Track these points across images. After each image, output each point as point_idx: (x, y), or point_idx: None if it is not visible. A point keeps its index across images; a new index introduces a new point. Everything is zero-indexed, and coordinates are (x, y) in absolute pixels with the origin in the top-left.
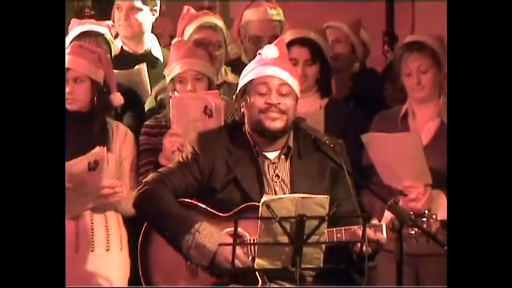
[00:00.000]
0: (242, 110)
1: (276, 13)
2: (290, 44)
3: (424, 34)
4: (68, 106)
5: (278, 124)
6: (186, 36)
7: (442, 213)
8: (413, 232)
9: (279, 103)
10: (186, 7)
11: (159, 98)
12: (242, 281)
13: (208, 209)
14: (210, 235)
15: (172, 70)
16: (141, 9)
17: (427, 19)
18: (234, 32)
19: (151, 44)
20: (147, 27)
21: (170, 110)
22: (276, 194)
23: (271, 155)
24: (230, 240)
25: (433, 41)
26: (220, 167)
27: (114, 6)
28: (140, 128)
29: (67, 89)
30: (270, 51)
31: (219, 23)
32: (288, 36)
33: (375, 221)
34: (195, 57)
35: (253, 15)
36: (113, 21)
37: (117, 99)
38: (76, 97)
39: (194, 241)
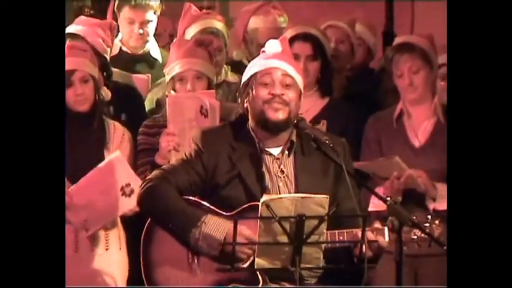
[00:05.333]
0: (245, 105)
1: (283, 20)
2: (293, 39)
3: (413, 35)
4: (79, 107)
5: (281, 115)
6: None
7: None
8: (415, 237)
9: (282, 94)
10: (187, 4)
11: (156, 98)
12: (243, 281)
13: (211, 207)
14: (217, 225)
15: (173, 69)
16: (151, 21)
17: (426, 19)
18: (237, 37)
19: (149, 44)
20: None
21: (166, 109)
22: (279, 190)
23: (275, 150)
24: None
25: (422, 41)
26: (223, 163)
27: (120, 14)
28: (139, 127)
29: (77, 91)
30: (273, 45)
31: (220, 26)
32: (290, 32)
33: (377, 225)
34: (196, 56)
35: (262, 23)
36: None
37: (106, 93)
38: (85, 97)
39: (201, 233)
